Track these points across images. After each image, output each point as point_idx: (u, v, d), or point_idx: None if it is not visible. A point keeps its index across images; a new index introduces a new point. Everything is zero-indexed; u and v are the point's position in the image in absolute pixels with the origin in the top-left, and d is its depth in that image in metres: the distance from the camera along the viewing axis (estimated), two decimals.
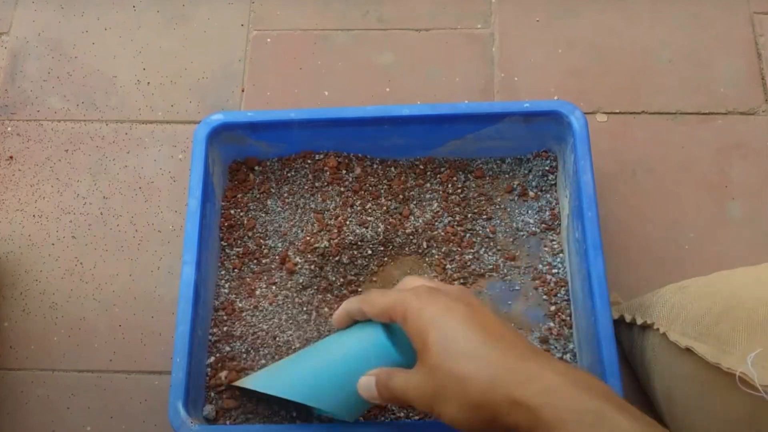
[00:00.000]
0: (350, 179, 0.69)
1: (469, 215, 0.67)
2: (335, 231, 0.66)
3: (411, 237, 0.67)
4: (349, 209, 0.68)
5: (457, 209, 0.67)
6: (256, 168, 0.69)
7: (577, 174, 0.62)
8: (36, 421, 0.66)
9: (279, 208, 0.68)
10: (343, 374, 0.49)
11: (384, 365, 0.48)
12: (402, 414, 0.60)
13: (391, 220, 0.67)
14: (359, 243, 0.66)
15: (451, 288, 0.47)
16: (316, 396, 0.50)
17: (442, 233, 0.66)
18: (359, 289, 0.65)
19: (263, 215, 0.68)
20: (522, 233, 0.67)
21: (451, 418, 0.42)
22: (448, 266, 0.65)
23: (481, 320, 0.43)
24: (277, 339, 0.62)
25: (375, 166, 0.70)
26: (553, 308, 0.64)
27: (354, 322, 0.52)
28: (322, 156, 0.69)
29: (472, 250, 0.66)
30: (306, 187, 0.69)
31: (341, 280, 0.65)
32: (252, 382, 0.56)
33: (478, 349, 0.42)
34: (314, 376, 0.51)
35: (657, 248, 0.70)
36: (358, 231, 0.66)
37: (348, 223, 0.67)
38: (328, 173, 0.69)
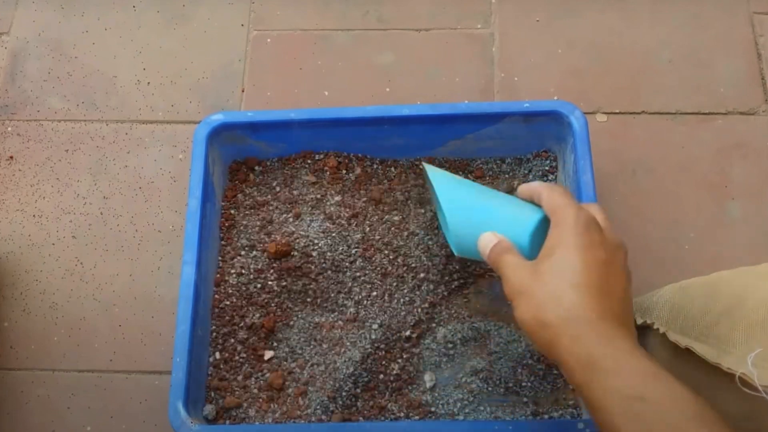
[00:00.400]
0: (350, 179, 0.69)
1: None
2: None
3: (412, 236, 0.66)
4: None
5: None
6: (256, 168, 0.69)
7: (577, 174, 0.62)
8: (36, 421, 0.66)
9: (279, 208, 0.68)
10: (485, 217, 0.55)
11: (512, 240, 0.52)
12: (402, 414, 0.60)
13: None
14: None
15: (613, 238, 0.50)
16: (457, 215, 0.56)
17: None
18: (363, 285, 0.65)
19: (263, 214, 0.68)
20: None
21: (521, 318, 0.46)
22: (449, 266, 0.65)
23: (606, 278, 0.46)
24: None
25: (375, 166, 0.70)
26: None
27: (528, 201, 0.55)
28: (322, 156, 0.69)
29: None
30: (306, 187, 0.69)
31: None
32: (432, 171, 0.60)
33: (585, 289, 0.44)
34: (469, 204, 0.56)
35: (657, 248, 0.70)
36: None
37: None
38: (328, 173, 0.69)
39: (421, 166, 0.63)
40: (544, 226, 0.52)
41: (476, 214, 0.55)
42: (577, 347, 0.42)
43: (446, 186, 0.58)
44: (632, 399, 0.39)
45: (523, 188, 0.55)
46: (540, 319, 0.44)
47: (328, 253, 0.65)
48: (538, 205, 0.53)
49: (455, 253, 0.58)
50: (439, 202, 0.62)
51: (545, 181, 0.68)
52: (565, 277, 0.45)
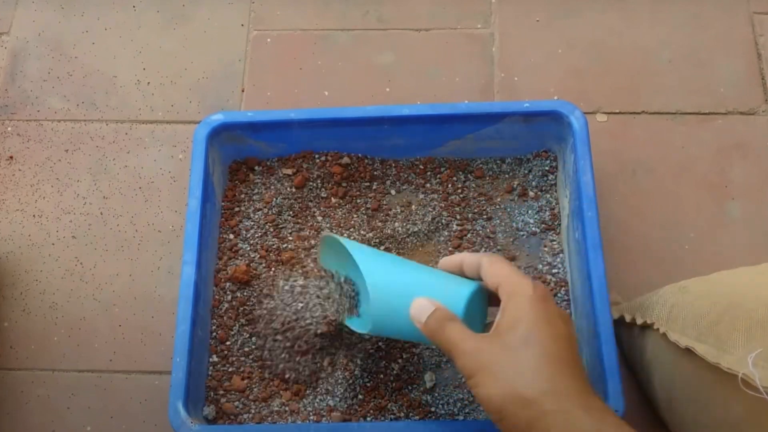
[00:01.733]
0: (354, 180, 0.69)
1: (469, 215, 0.67)
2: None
3: (412, 237, 0.67)
4: None
5: (457, 209, 0.67)
6: (256, 168, 0.70)
7: (577, 174, 0.62)
8: (36, 421, 0.66)
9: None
10: (409, 288, 0.50)
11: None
12: (402, 414, 0.60)
13: None
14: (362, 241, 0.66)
15: (563, 310, 0.49)
16: (378, 288, 0.50)
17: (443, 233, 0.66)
18: None
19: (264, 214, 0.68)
20: (522, 233, 0.67)
21: (488, 396, 0.42)
22: None
23: (571, 350, 0.45)
24: None
25: (375, 166, 0.70)
26: None
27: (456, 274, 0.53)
28: (322, 156, 0.69)
29: (472, 250, 0.66)
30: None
31: None
32: (344, 241, 0.54)
33: (560, 362, 0.43)
34: (390, 272, 0.51)
35: (657, 248, 0.70)
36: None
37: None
38: (331, 174, 0.69)
39: (322, 236, 0.58)
40: (476, 298, 0.50)
41: (398, 284, 0.51)
42: (566, 424, 0.40)
43: (363, 253, 0.52)
44: None
45: (449, 260, 0.52)
46: (517, 395, 0.41)
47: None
48: (468, 278, 0.51)
49: (364, 331, 0.54)
50: (340, 274, 0.58)
51: (545, 182, 0.68)
52: (537, 350, 0.43)
